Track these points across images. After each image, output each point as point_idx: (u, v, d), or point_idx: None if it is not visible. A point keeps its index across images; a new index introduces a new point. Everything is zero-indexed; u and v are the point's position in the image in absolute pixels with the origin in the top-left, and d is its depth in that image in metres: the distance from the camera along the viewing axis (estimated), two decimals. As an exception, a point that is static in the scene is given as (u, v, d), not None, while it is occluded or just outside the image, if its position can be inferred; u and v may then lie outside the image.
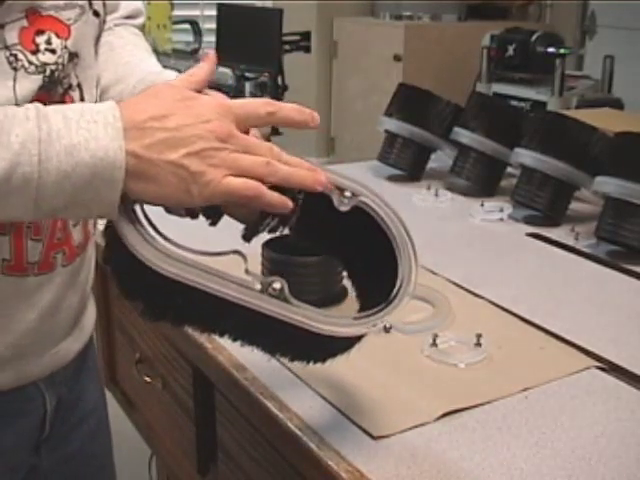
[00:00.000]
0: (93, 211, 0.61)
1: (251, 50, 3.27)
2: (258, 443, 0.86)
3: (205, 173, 0.59)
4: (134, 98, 0.63)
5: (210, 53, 0.69)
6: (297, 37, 3.49)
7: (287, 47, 3.42)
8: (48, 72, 0.69)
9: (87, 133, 0.58)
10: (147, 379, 1.16)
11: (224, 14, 3.55)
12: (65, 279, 0.78)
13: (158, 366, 1.14)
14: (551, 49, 2.98)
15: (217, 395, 0.96)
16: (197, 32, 3.72)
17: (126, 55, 0.89)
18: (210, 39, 3.64)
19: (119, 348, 1.32)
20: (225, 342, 0.91)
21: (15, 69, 0.67)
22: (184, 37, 3.77)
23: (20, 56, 0.67)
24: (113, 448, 0.99)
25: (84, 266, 0.82)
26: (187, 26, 3.75)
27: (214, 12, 3.61)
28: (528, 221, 1.34)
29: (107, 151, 0.58)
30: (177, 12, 3.69)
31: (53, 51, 0.69)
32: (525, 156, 1.34)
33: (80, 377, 0.88)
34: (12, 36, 0.66)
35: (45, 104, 0.61)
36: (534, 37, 3.07)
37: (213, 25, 3.61)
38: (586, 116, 1.41)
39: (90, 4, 0.74)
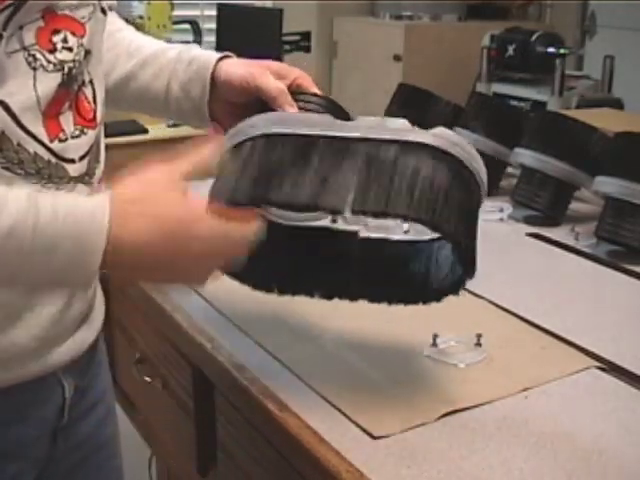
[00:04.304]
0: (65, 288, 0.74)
1: (251, 50, 3.25)
2: (258, 443, 0.86)
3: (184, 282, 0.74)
4: (136, 207, 0.63)
5: (215, 135, 0.75)
6: (297, 37, 3.49)
7: (287, 47, 3.41)
8: (66, 69, 0.71)
9: (73, 233, 0.60)
10: (147, 379, 1.16)
11: (224, 14, 3.55)
12: None
13: (158, 366, 1.14)
14: (551, 49, 2.98)
15: (217, 395, 0.96)
16: (197, 32, 3.72)
17: (136, 39, 0.94)
18: (210, 39, 3.64)
19: (119, 348, 1.32)
20: (225, 342, 0.91)
21: (34, 69, 0.69)
22: (184, 37, 3.76)
23: (38, 56, 0.69)
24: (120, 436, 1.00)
25: None
26: (187, 26, 3.74)
27: (214, 12, 3.61)
28: (528, 221, 1.34)
29: (84, 256, 0.60)
30: (177, 12, 3.68)
31: (70, 49, 0.71)
32: (525, 156, 1.34)
33: (91, 366, 0.90)
34: (29, 37, 0.68)
35: (64, 100, 0.68)
36: (534, 37, 3.06)
37: (213, 25, 3.61)
38: (586, 116, 1.41)
39: (99, 2, 0.76)
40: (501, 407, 0.79)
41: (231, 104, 0.85)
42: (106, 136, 0.84)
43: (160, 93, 0.89)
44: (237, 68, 0.86)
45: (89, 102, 0.76)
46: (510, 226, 1.33)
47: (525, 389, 0.82)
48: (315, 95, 0.83)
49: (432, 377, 0.84)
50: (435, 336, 0.89)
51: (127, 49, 0.91)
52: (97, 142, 0.79)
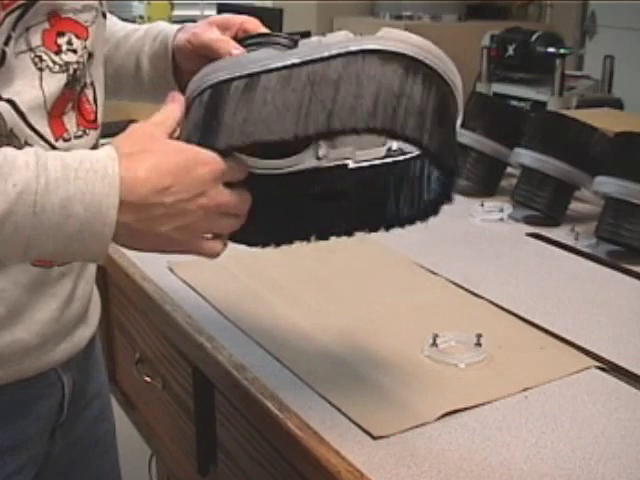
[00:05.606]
0: (79, 259, 0.70)
1: (251, 50, 3.26)
2: (258, 443, 0.86)
3: (185, 243, 0.67)
4: (136, 145, 0.65)
5: (175, 94, 0.73)
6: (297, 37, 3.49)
7: (287, 47, 3.41)
8: (71, 71, 0.72)
9: (84, 185, 0.60)
10: (147, 379, 1.16)
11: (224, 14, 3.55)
12: (78, 269, 0.81)
13: (158, 366, 1.14)
14: (551, 49, 2.98)
15: (217, 395, 0.96)
16: (197, 32, 3.72)
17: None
18: (210, 39, 3.65)
19: (119, 348, 1.32)
20: (225, 342, 0.91)
21: (40, 69, 0.70)
22: (184, 37, 3.76)
23: (44, 57, 0.70)
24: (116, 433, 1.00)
25: None
26: (187, 26, 3.75)
27: (214, 12, 3.61)
28: (528, 221, 1.34)
29: (100, 207, 0.61)
30: (177, 12, 3.68)
31: (74, 51, 0.72)
32: (525, 156, 1.34)
33: (87, 363, 0.90)
34: (36, 38, 0.69)
35: (68, 100, 0.69)
36: (534, 37, 3.06)
37: (213, 25, 3.61)
38: (586, 116, 1.41)
39: (101, 4, 0.77)
40: (501, 407, 0.79)
41: (192, 73, 0.85)
42: (104, 136, 0.84)
43: (131, 71, 0.90)
44: (184, 34, 0.86)
45: (90, 104, 0.77)
46: (510, 226, 1.33)
47: (525, 389, 0.82)
48: (260, 35, 0.81)
49: (432, 377, 0.84)
50: (435, 336, 0.89)
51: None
52: (97, 144, 0.80)
